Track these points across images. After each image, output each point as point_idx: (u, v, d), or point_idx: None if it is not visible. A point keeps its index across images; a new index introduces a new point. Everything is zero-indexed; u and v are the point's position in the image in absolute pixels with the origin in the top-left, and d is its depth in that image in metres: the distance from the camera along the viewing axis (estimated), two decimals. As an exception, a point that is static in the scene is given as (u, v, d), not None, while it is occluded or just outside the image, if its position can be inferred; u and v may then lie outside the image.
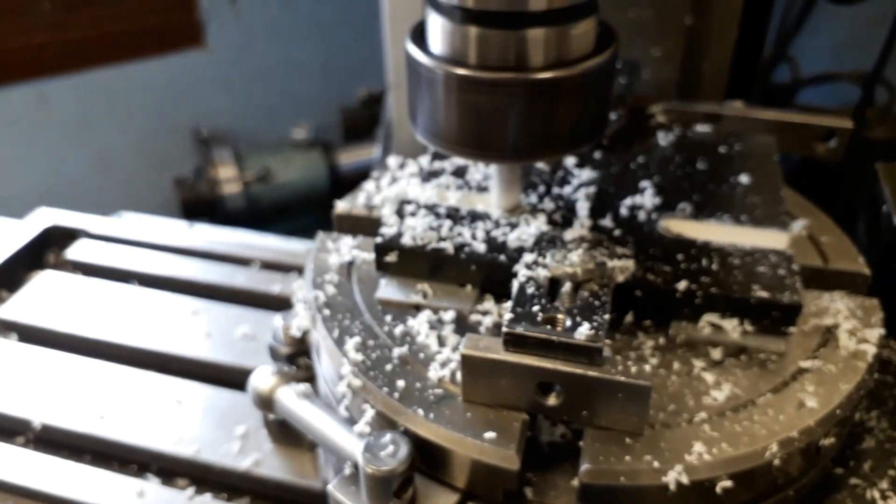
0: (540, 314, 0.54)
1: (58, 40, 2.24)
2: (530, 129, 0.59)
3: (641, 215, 0.69)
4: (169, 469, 0.84)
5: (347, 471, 0.56)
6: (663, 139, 0.82)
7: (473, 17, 0.57)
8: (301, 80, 2.66)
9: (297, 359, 0.83)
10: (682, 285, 0.61)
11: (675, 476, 0.50)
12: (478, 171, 0.76)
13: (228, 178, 2.40)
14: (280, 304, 1.03)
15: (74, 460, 0.84)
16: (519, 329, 0.52)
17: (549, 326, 0.53)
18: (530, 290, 0.57)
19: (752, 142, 0.82)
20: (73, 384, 0.91)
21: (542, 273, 0.58)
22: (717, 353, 0.60)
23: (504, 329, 0.52)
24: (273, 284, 1.04)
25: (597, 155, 0.79)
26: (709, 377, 0.58)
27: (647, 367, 0.55)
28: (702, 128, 0.85)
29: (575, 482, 0.55)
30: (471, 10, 0.56)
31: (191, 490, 0.80)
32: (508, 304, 0.63)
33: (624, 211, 0.70)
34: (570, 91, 0.59)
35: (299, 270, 1.07)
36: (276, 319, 0.83)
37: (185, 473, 0.84)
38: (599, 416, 0.53)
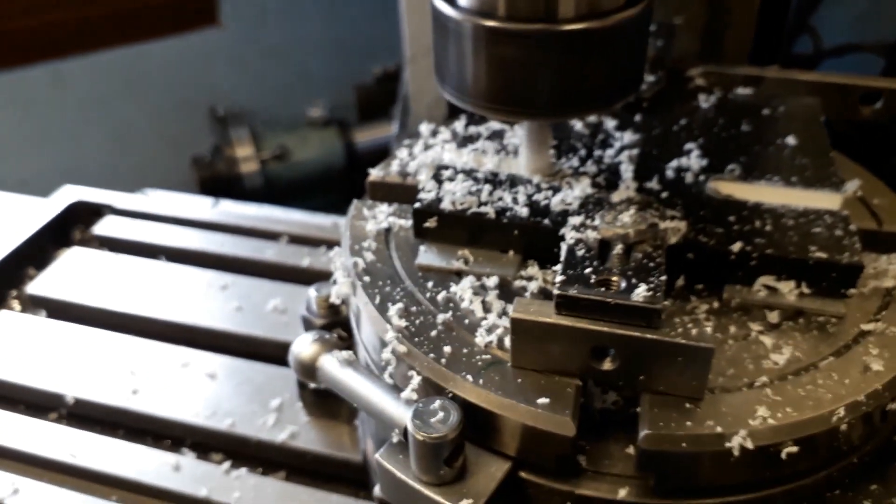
0: (593, 276, 0.52)
1: (73, 20, 2.23)
2: (561, 83, 0.57)
3: (688, 177, 0.67)
4: (204, 443, 0.84)
5: (395, 439, 0.54)
6: (704, 101, 0.80)
7: None
8: (316, 58, 2.64)
9: (331, 329, 0.82)
10: (736, 247, 0.58)
11: (739, 441, 0.49)
12: (514, 135, 0.74)
13: (245, 156, 2.39)
14: (309, 277, 1.01)
15: (108, 435, 0.84)
16: (572, 291, 0.50)
17: (602, 288, 0.51)
18: (580, 252, 0.55)
19: (795, 104, 0.79)
20: (105, 359, 0.90)
21: (591, 235, 0.56)
22: (773, 317, 0.58)
23: (556, 291, 0.51)
24: (302, 258, 1.03)
25: (637, 117, 0.77)
26: (767, 341, 0.56)
27: (708, 328, 0.53)
28: (742, 91, 0.82)
29: (630, 450, 0.53)
30: None
31: (227, 464, 0.79)
32: (555, 268, 0.62)
33: (670, 173, 0.68)
34: (603, 44, 0.57)
35: (328, 244, 1.06)
36: (310, 290, 0.82)
37: (221, 447, 0.83)
38: (657, 381, 0.51)
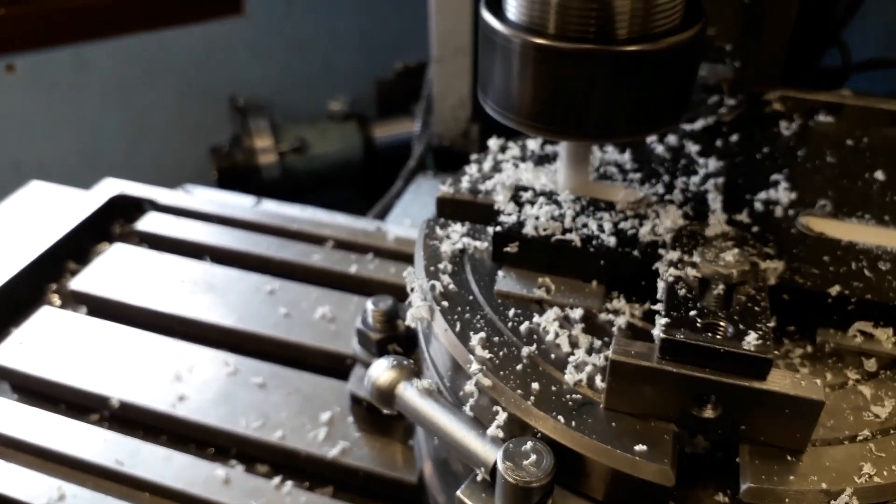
0: (698, 319, 0.50)
1: (98, 4, 2.21)
2: (609, 105, 0.56)
3: (778, 211, 0.65)
4: (250, 454, 0.82)
5: (479, 477, 0.52)
6: (785, 129, 0.77)
7: None
8: (338, 52, 2.62)
9: (386, 345, 0.80)
10: (834, 290, 0.56)
11: (845, 500, 0.47)
12: (594, 156, 0.71)
13: (264, 147, 2.38)
14: (356, 284, 1.00)
15: (150, 440, 0.82)
16: (679, 336, 0.48)
17: (709, 333, 0.49)
18: (681, 291, 0.52)
19: (878, 135, 0.77)
20: (150, 362, 0.88)
21: (691, 273, 0.54)
22: (871, 364, 0.56)
23: (661, 335, 0.48)
24: (349, 265, 1.01)
25: (718, 142, 0.74)
26: (866, 391, 0.54)
27: (819, 381, 0.51)
28: (822, 118, 0.80)
29: (719, 497, 0.51)
30: None
31: (277, 479, 0.78)
32: (640, 302, 0.60)
33: (759, 206, 0.65)
34: (655, 67, 0.55)
35: (374, 251, 1.04)
36: (368, 304, 0.80)
37: (268, 459, 0.82)
38: (759, 431, 0.49)
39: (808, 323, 0.58)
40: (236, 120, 2.49)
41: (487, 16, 0.58)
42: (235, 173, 2.38)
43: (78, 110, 2.29)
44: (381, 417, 0.80)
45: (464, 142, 1.67)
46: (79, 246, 1.06)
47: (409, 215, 1.48)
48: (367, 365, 0.81)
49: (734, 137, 0.75)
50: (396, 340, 0.80)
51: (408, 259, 1.02)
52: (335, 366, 0.89)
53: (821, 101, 0.80)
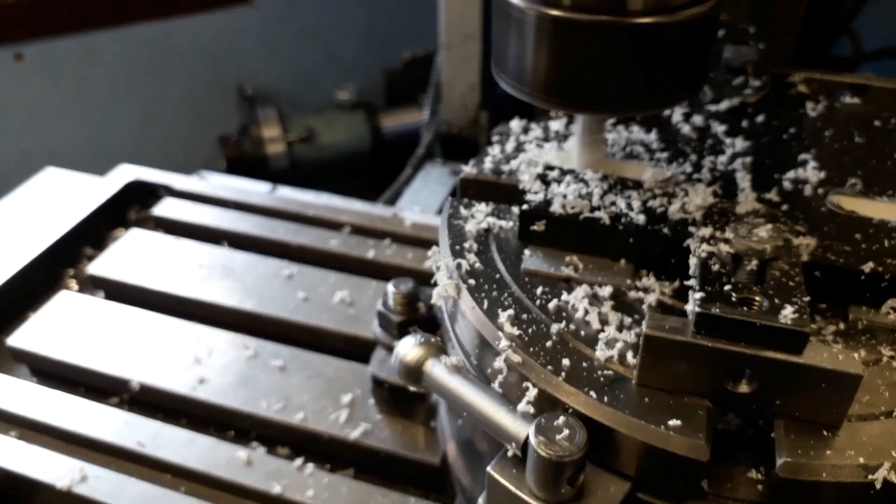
0: (733, 294, 0.49)
1: None
2: (625, 78, 0.55)
3: (807, 190, 0.64)
4: (271, 436, 0.82)
5: (510, 452, 0.52)
6: (812, 110, 0.76)
7: None
8: (345, 42, 2.62)
9: (407, 328, 0.80)
10: (867, 267, 0.56)
11: (883, 474, 0.46)
12: (621, 136, 0.71)
13: (272, 137, 2.39)
14: (374, 270, 0.99)
15: (170, 423, 0.82)
16: (715, 310, 0.48)
17: (745, 308, 0.48)
18: (715, 266, 0.52)
19: (905, 115, 0.76)
20: (169, 345, 0.88)
21: (724, 248, 0.53)
22: (904, 342, 0.55)
23: (697, 309, 0.48)
24: (367, 250, 1.01)
25: (744, 123, 0.74)
26: (901, 367, 0.53)
27: (856, 355, 0.50)
28: (848, 100, 0.79)
29: (752, 474, 0.51)
30: None
31: (299, 460, 0.77)
32: (669, 280, 0.59)
33: (787, 184, 0.65)
34: (670, 39, 0.54)
35: (391, 236, 1.03)
36: (389, 286, 0.80)
37: (289, 442, 0.82)
38: (794, 406, 0.49)
39: (841, 300, 0.58)
40: (244, 109, 2.50)
41: None
42: (244, 162, 2.39)
43: (86, 99, 2.29)
44: (402, 399, 0.80)
45: (472, 129, 1.67)
46: (95, 231, 1.06)
47: (417, 202, 1.48)
48: (388, 347, 0.81)
49: (760, 118, 0.74)
50: (417, 323, 0.80)
51: (425, 244, 1.02)
52: (354, 349, 0.88)
53: (846, 82, 0.80)
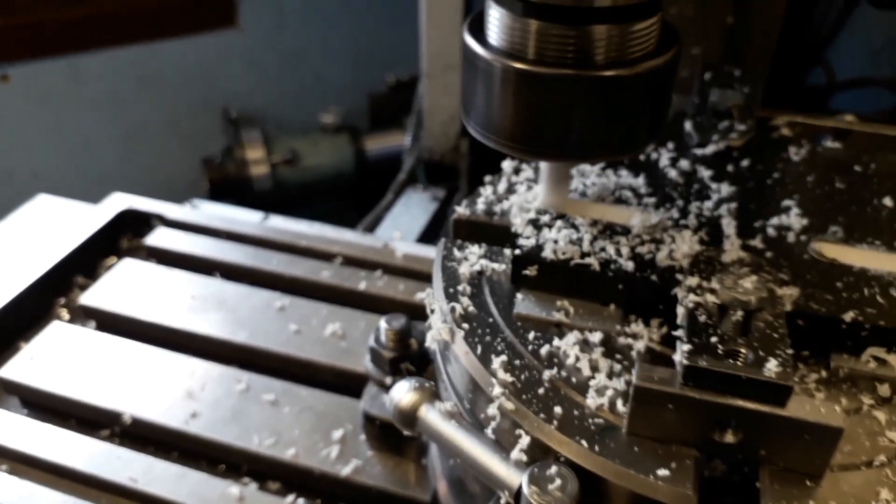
0: (719, 346, 0.51)
1: (92, 15, 2.22)
2: (588, 128, 0.58)
3: (790, 237, 0.66)
4: (262, 471, 0.83)
5: (503, 500, 0.53)
6: (795, 154, 0.79)
7: (535, 10, 0.55)
8: (330, 65, 2.64)
9: (399, 364, 0.81)
10: (848, 316, 0.57)
11: (864, 526, 0.48)
12: (609, 180, 0.73)
13: (256, 159, 2.40)
14: (366, 301, 1.00)
15: (161, 457, 0.83)
16: (702, 363, 0.49)
17: (730, 360, 0.50)
18: (701, 317, 0.54)
19: (885, 161, 0.78)
20: (161, 378, 0.89)
21: (710, 299, 0.55)
22: (884, 390, 0.57)
23: (685, 362, 0.49)
24: (358, 282, 1.02)
25: (730, 167, 0.76)
26: (881, 416, 0.55)
27: (838, 408, 0.52)
28: (830, 144, 0.81)
29: (738, 521, 0.52)
30: (533, 3, 0.54)
31: (291, 497, 0.78)
32: (657, 327, 0.61)
33: (771, 231, 0.66)
34: (631, 90, 0.57)
35: (383, 268, 1.04)
36: (381, 322, 0.81)
37: (279, 477, 0.82)
38: (778, 456, 0.50)
39: (823, 348, 0.59)
40: (229, 131, 2.50)
41: (469, 40, 0.60)
42: (227, 185, 2.40)
43: (71, 120, 2.29)
44: (393, 436, 0.80)
45: (453, 156, 1.69)
46: (87, 260, 1.07)
47: (398, 227, 1.49)
48: (379, 383, 0.81)
49: (745, 162, 0.76)
50: (409, 359, 0.81)
51: (416, 276, 1.04)
52: (346, 383, 0.89)
53: (828, 126, 0.82)
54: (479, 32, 0.61)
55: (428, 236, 1.48)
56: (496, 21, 0.58)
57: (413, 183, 1.70)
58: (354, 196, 2.55)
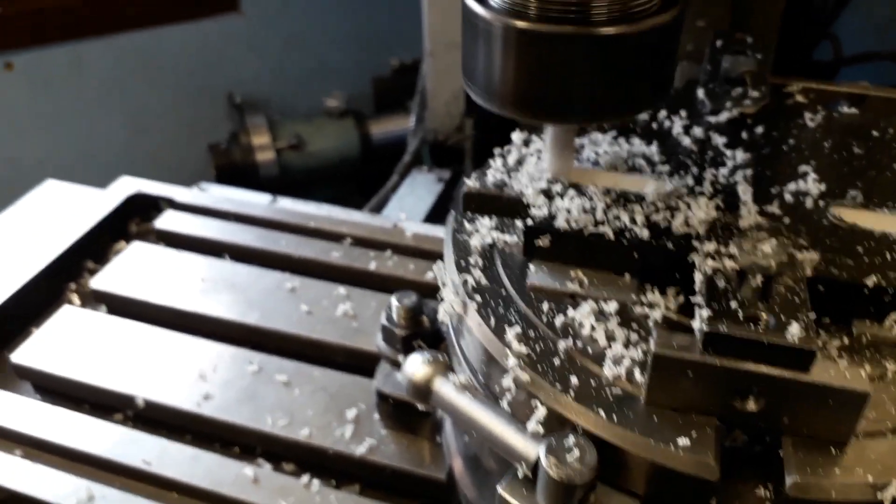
0: (740, 311, 0.49)
1: (94, 2, 2.21)
2: (591, 88, 0.56)
3: (808, 202, 0.64)
4: (276, 452, 0.82)
5: (520, 473, 0.52)
6: (810, 120, 0.77)
7: None
8: (334, 49, 2.63)
9: (411, 342, 0.80)
10: (870, 281, 0.56)
11: (892, 492, 0.46)
12: (622, 149, 0.71)
13: (262, 144, 2.39)
14: (376, 282, 0.99)
15: (175, 439, 0.82)
16: (722, 329, 0.48)
17: (751, 325, 0.49)
18: (720, 283, 0.52)
19: (903, 125, 0.77)
20: (173, 361, 0.88)
21: (729, 264, 0.54)
22: (909, 355, 0.55)
23: (704, 328, 0.48)
24: (368, 262, 1.01)
25: (744, 134, 0.74)
26: (906, 382, 0.54)
27: (863, 372, 0.51)
28: (846, 110, 0.79)
29: (760, 491, 0.51)
30: None
31: (306, 477, 0.77)
32: (673, 296, 0.59)
33: (789, 197, 0.65)
34: (635, 48, 0.55)
35: (393, 248, 1.03)
36: (392, 300, 0.80)
37: (294, 457, 0.82)
38: (802, 424, 0.49)
39: (844, 314, 0.58)
40: (234, 117, 2.50)
41: (469, 0, 0.59)
42: (233, 170, 2.40)
43: (75, 108, 2.29)
44: (407, 414, 0.80)
45: (458, 136, 1.67)
46: (97, 245, 1.06)
47: (404, 209, 1.48)
48: (392, 362, 0.81)
49: (759, 129, 0.75)
50: (421, 336, 0.80)
51: (426, 256, 1.03)
52: (358, 363, 0.89)
53: (843, 92, 0.80)
54: None
55: (433, 217, 1.47)
56: None
57: (418, 164, 1.69)
58: (360, 180, 2.54)
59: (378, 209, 1.51)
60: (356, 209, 1.21)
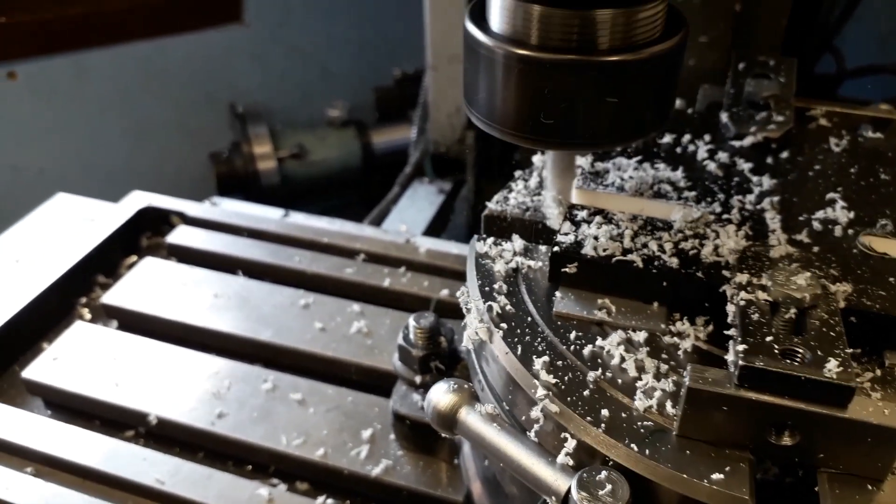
0: (775, 346, 0.49)
1: (97, 12, 2.21)
2: (592, 115, 0.56)
3: (837, 231, 0.64)
4: (290, 472, 0.81)
5: (549, 505, 0.51)
6: (835, 145, 0.76)
7: None
8: (337, 59, 2.63)
9: (428, 363, 0.80)
10: (903, 313, 0.55)
11: (930, 531, 0.46)
12: (647, 174, 0.71)
13: (263, 154, 2.39)
14: (390, 298, 0.99)
15: (187, 457, 0.81)
16: (759, 364, 0.47)
17: (788, 361, 0.48)
18: (754, 316, 0.52)
19: (927, 150, 0.76)
20: (186, 377, 0.87)
21: (762, 296, 0.53)
22: (941, 389, 0.55)
23: (741, 362, 0.48)
24: (382, 278, 1.00)
25: (769, 160, 0.74)
26: (939, 416, 0.53)
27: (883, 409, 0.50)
28: (870, 134, 0.79)
29: (793, 526, 0.50)
30: None
31: (321, 498, 0.77)
32: (703, 326, 0.59)
33: (817, 225, 0.64)
34: (636, 76, 0.55)
35: (406, 264, 1.03)
36: (410, 320, 0.80)
37: (308, 477, 0.81)
38: (838, 459, 0.48)
39: (876, 345, 0.57)
40: (236, 127, 2.50)
41: (471, 27, 0.59)
42: (235, 179, 2.39)
43: (78, 117, 2.29)
44: (424, 435, 0.79)
45: (459, 148, 1.67)
46: (108, 259, 1.06)
47: (404, 221, 1.48)
48: (408, 382, 0.80)
49: (784, 154, 0.74)
50: (438, 357, 0.79)
51: (440, 272, 1.02)
52: (373, 381, 0.88)
53: (868, 115, 0.80)
54: (480, 19, 0.59)
55: (434, 229, 1.47)
56: (498, 6, 0.57)
57: (420, 176, 1.69)
58: (362, 190, 2.53)
59: (379, 221, 1.51)
60: (357, 219, 1.21)
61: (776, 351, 0.48)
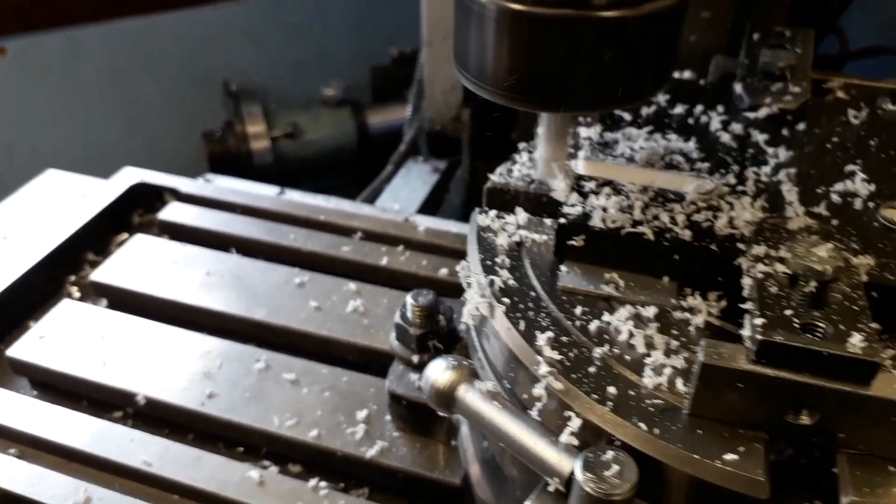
0: (795, 319, 0.46)
1: None
2: (589, 75, 0.53)
3: (857, 203, 0.61)
4: (282, 453, 0.79)
5: (552, 487, 0.49)
6: (853, 117, 0.73)
7: None
8: (332, 38, 2.59)
9: (426, 341, 0.77)
10: (928, 288, 0.52)
11: (958, 516, 0.43)
12: (658, 144, 0.67)
13: (257, 133, 2.35)
14: (387, 277, 0.96)
15: (177, 439, 0.79)
16: (778, 338, 0.44)
17: (809, 335, 0.45)
18: (773, 289, 0.49)
19: (948, 123, 0.73)
20: (176, 357, 0.85)
21: (780, 269, 0.50)
22: (966, 368, 0.52)
23: (759, 337, 0.45)
24: (380, 257, 0.97)
25: (784, 131, 0.70)
26: (965, 396, 0.50)
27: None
28: (889, 106, 0.76)
29: (810, 510, 0.48)
30: None
31: (313, 481, 0.74)
32: (714, 299, 0.56)
33: (836, 198, 0.61)
34: (636, 33, 0.52)
35: (405, 243, 1.00)
36: (408, 298, 0.77)
37: (301, 459, 0.78)
38: (859, 439, 0.45)
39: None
40: (229, 105, 2.46)
41: None
42: (227, 158, 2.35)
43: (71, 95, 2.25)
44: (421, 416, 0.76)
45: (455, 126, 1.64)
46: (98, 236, 1.02)
47: (398, 200, 1.45)
48: (405, 361, 0.77)
49: (801, 126, 0.71)
50: (436, 336, 0.77)
51: (438, 251, 0.99)
52: (369, 361, 0.85)
53: (886, 88, 0.77)
54: None
55: (428, 208, 1.44)
56: None
57: (414, 154, 1.65)
58: (356, 171, 2.50)
59: (371, 199, 1.47)
60: (351, 198, 1.18)
61: (796, 325, 0.46)
